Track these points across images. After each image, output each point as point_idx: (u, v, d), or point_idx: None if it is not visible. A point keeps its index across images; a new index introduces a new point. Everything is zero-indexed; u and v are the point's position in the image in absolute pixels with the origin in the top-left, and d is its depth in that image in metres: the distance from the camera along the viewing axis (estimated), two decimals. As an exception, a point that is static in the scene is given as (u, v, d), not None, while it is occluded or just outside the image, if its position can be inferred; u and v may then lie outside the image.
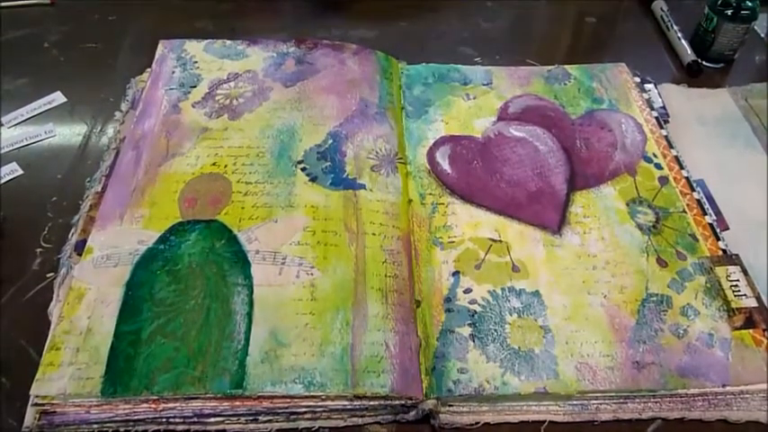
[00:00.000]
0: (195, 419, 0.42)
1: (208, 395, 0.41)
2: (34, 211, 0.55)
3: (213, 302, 0.45)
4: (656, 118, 0.63)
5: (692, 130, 0.63)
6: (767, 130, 0.63)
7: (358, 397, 0.42)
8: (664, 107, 0.64)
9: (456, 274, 0.50)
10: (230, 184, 0.53)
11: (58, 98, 0.66)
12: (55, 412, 0.41)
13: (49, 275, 0.50)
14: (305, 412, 0.42)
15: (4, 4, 0.77)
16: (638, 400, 0.44)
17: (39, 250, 0.52)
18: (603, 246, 0.52)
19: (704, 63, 0.72)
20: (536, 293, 0.49)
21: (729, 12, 0.68)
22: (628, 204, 0.55)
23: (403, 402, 0.42)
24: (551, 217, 0.54)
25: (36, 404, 0.41)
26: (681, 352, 0.45)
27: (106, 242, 0.49)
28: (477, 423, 0.43)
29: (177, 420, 0.42)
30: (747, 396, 0.44)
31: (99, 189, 0.54)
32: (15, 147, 0.61)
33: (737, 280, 0.49)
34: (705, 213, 0.54)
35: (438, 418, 0.43)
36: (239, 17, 0.79)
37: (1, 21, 0.75)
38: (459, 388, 0.43)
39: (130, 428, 0.41)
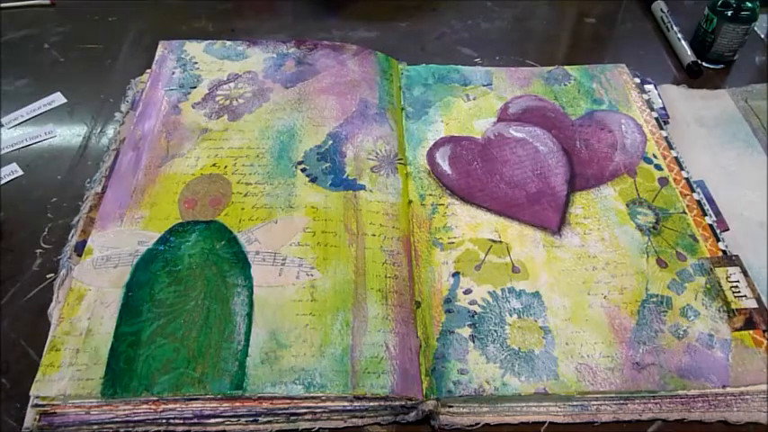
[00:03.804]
0: (195, 420, 0.42)
1: (208, 396, 0.41)
2: (34, 212, 0.55)
3: (213, 303, 0.45)
4: (656, 119, 0.63)
5: (691, 131, 0.63)
6: (767, 131, 0.63)
7: (358, 398, 0.42)
8: (664, 108, 0.64)
9: (456, 274, 0.50)
10: (230, 184, 0.53)
11: (57, 99, 0.66)
12: (55, 413, 0.41)
13: (48, 276, 0.50)
14: (305, 413, 0.42)
15: (4, 4, 0.77)
16: (638, 401, 0.44)
17: (38, 251, 0.52)
18: (603, 246, 0.52)
19: (704, 64, 0.72)
20: (536, 294, 0.49)
21: (729, 13, 0.68)
22: (628, 205, 0.55)
23: (403, 403, 0.42)
24: (551, 218, 0.54)
25: (36, 405, 0.41)
26: (681, 353, 0.45)
27: (106, 243, 0.49)
28: (477, 424, 0.43)
29: (177, 421, 0.42)
30: (747, 397, 0.44)
31: (99, 190, 0.54)
32: (15, 147, 0.61)
33: (737, 281, 0.49)
34: (705, 214, 0.54)
35: (438, 419, 0.43)
36: (239, 17, 0.79)
37: (1, 21, 0.75)
38: (459, 389, 0.43)
39: (130, 429, 0.42)
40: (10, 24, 0.75)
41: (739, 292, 0.48)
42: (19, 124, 0.63)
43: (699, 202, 0.55)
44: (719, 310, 0.48)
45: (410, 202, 0.55)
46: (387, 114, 0.61)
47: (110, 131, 0.62)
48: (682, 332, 0.46)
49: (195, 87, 0.62)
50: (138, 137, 0.57)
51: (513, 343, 0.46)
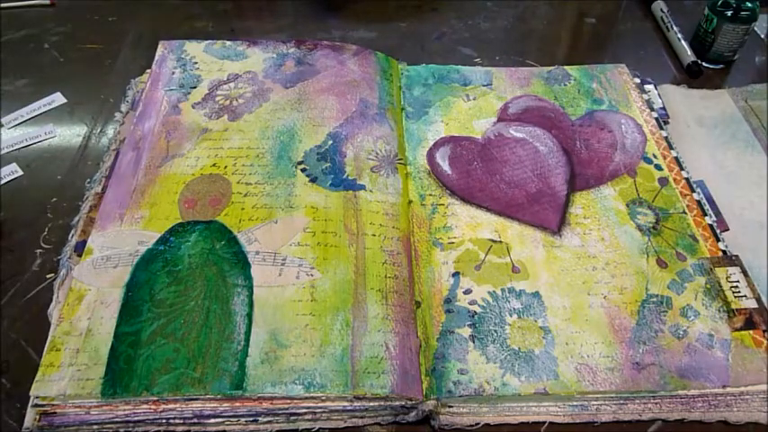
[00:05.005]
0: (195, 420, 0.42)
1: (208, 396, 0.41)
2: (34, 212, 0.55)
3: (213, 303, 0.45)
4: (656, 119, 0.63)
5: (691, 131, 0.63)
6: (767, 131, 0.63)
7: (358, 398, 0.42)
8: (664, 108, 0.64)
9: (456, 274, 0.50)
10: (230, 184, 0.53)
11: (57, 99, 0.66)
12: (55, 413, 0.41)
13: (48, 276, 0.50)
14: (305, 413, 0.42)
15: (4, 4, 0.77)
16: (638, 401, 0.44)
17: (38, 251, 0.52)
18: (603, 247, 0.52)
19: (704, 64, 0.72)
20: (536, 294, 0.49)
21: (729, 13, 0.68)
22: (628, 205, 0.55)
23: (403, 403, 0.42)
24: (551, 218, 0.54)
25: (36, 405, 0.41)
26: (681, 353, 0.45)
27: (106, 243, 0.49)
28: (477, 424, 0.43)
29: (177, 421, 0.42)
30: (747, 397, 0.44)
31: (99, 190, 0.54)
32: (15, 147, 0.61)
33: (737, 281, 0.49)
34: (705, 214, 0.54)
35: (438, 419, 0.43)
36: (239, 18, 0.79)
37: (1, 21, 0.75)
38: (459, 389, 0.43)
39: (130, 429, 0.42)
40: (10, 24, 0.75)
41: (739, 292, 0.48)
42: (19, 124, 0.63)
43: (699, 202, 0.55)
44: (719, 310, 0.48)
45: (410, 202, 0.55)
46: (387, 114, 0.61)
47: (110, 131, 0.62)
48: (682, 332, 0.47)
49: (195, 87, 0.62)
50: (138, 137, 0.57)
51: (513, 343, 0.46)
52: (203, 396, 0.41)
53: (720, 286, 0.49)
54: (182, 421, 0.42)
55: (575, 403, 0.44)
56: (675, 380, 0.44)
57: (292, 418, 0.42)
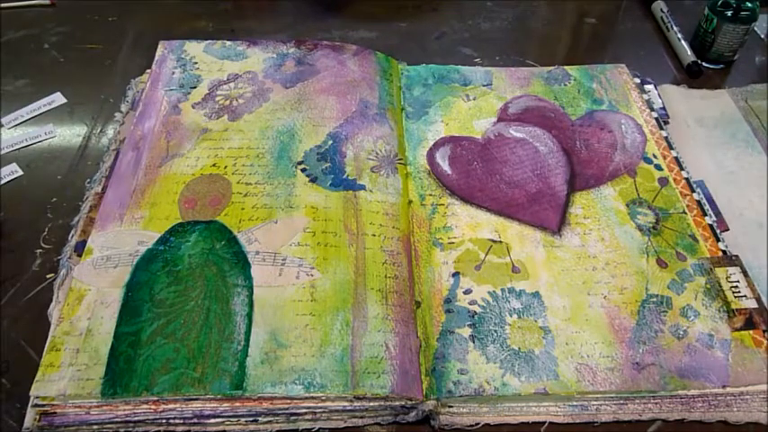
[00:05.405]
0: (195, 420, 0.42)
1: (208, 396, 0.41)
2: (34, 212, 0.55)
3: (213, 303, 0.45)
4: (656, 119, 0.63)
5: (691, 131, 0.63)
6: (767, 131, 0.63)
7: (358, 398, 0.42)
8: (664, 108, 0.65)
9: (456, 274, 0.50)
10: (230, 184, 0.53)
11: (57, 99, 0.66)
12: (55, 413, 0.41)
13: (48, 276, 0.50)
14: (305, 413, 0.42)
15: (4, 4, 0.77)
16: (638, 401, 0.44)
17: (38, 251, 0.52)
18: (603, 247, 0.52)
19: (704, 64, 0.72)
20: (536, 294, 0.49)
21: (729, 13, 0.68)
22: (628, 205, 0.55)
23: (403, 403, 0.42)
24: (551, 218, 0.54)
25: (36, 405, 0.41)
26: (681, 353, 0.45)
27: (106, 243, 0.49)
28: (477, 424, 0.43)
29: (177, 421, 0.42)
30: (747, 397, 0.44)
31: (99, 190, 0.54)
32: (15, 147, 0.61)
33: (737, 281, 0.49)
34: (705, 214, 0.54)
35: (438, 419, 0.43)
36: (239, 18, 0.79)
37: (1, 21, 0.75)
38: (459, 389, 0.43)
39: (130, 429, 0.42)
40: (10, 24, 0.75)
41: (739, 292, 0.48)
42: (19, 124, 0.63)
43: (699, 202, 0.55)
44: (719, 310, 0.48)
45: (410, 202, 0.55)
46: (387, 114, 0.61)
47: (110, 131, 0.62)
48: (682, 332, 0.47)
49: (195, 87, 0.62)
50: (138, 137, 0.57)
51: (513, 343, 0.46)
52: (203, 396, 0.41)
53: (720, 286, 0.49)
54: (182, 421, 0.42)
55: (575, 403, 0.44)
56: (675, 380, 0.44)
57: (292, 418, 0.42)
